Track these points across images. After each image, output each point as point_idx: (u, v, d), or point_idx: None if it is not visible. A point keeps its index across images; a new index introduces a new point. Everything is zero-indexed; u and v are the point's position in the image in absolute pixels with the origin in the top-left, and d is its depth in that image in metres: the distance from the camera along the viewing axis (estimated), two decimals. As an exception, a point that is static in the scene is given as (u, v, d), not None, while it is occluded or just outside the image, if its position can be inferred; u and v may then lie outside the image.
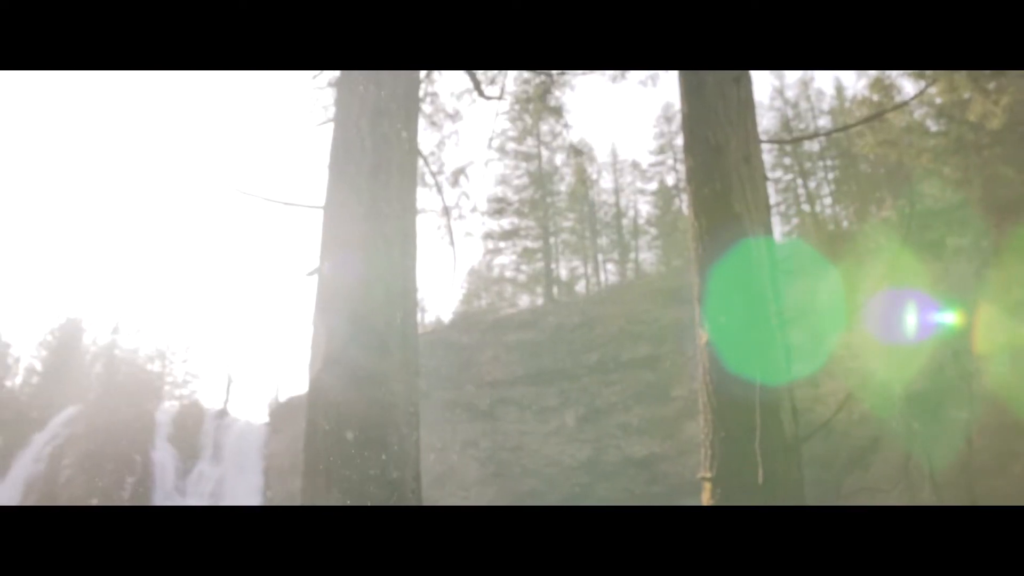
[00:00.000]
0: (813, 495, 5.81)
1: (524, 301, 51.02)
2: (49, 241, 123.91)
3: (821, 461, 25.76)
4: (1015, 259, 26.03)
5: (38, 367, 59.33)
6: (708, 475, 5.64)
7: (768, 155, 43.28)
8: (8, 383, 57.21)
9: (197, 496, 40.59)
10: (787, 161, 46.61)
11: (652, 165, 52.91)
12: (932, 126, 30.25)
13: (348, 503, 4.86)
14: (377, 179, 5.71)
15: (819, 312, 26.48)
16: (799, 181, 46.90)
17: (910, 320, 27.71)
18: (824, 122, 46.80)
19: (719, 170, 6.23)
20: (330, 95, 10.64)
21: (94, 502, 38.25)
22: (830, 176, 46.37)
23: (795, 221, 46.66)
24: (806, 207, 46.35)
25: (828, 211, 46.22)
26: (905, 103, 27.04)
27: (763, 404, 5.42)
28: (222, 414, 47.44)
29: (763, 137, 6.80)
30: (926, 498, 25.76)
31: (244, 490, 40.92)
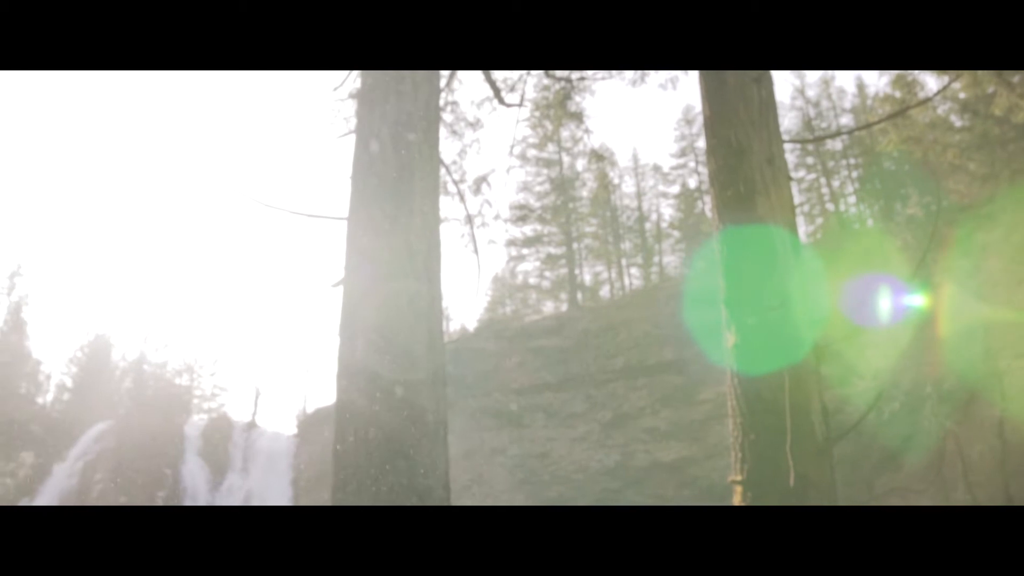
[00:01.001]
0: (844, 496, 5.76)
1: (548, 307, 51.01)
2: (76, 258, 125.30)
3: (852, 462, 25.57)
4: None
5: (68, 383, 59.91)
6: (739, 478, 5.60)
7: (791, 155, 43.03)
8: (40, 400, 57.78)
9: (228, 508, 40.76)
10: (810, 161, 46.34)
11: (674, 168, 52.80)
12: (957, 121, 30.01)
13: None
14: (400, 189, 5.72)
15: (843, 311, 26.25)
16: (822, 180, 46.60)
17: (937, 317, 27.43)
18: (846, 120, 46.51)
19: (742, 172, 6.19)
20: (351, 107, 10.69)
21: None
22: (854, 175, 46.03)
23: (819, 221, 46.36)
24: (830, 206, 46.03)
25: (853, 210, 45.87)
26: (928, 99, 26.83)
27: (793, 406, 5.38)
28: (250, 426, 47.69)
29: (785, 137, 6.76)
30: (960, 498, 25.45)
31: (274, 502, 41.10)
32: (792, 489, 5.20)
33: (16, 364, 57.12)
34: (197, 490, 41.89)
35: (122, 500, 39.50)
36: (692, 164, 51.46)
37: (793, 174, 6.58)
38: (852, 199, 46.29)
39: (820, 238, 43.15)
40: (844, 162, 46.00)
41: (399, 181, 5.75)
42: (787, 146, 6.72)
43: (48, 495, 40.52)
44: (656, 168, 53.45)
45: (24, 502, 40.08)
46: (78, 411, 53.21)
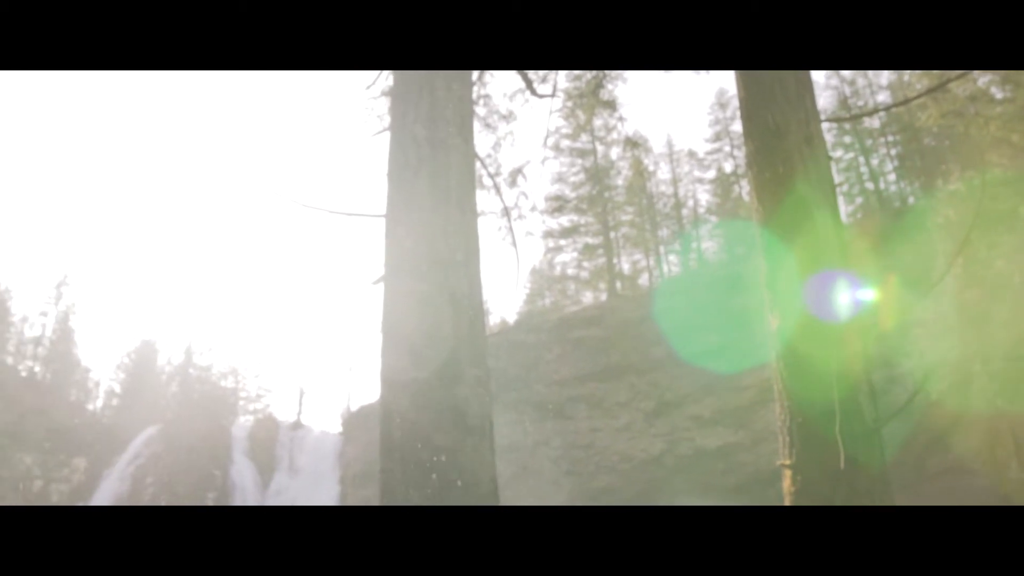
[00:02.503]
0: (895, 478, 5.68)
1: (588, 298, 50.96)
2: (120, 266, 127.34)
3: (902, 443, 25.24)
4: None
5: (117, 389, 60.98)
6: (788, 462, 5.55)
7: (828, 134, 42.28)
8: (90, 406, 58.91)
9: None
10: (847, 140, 45.74)
11: (709, 153, 52.42)
12: (998, 93, 29.45)
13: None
14: (436, 184, 5.72)
15: (890, 291, 25.90)
16: (861, 159, 45.97)
17: (984, 293, 26.97)
18: (883, 97, 45.82)
19: (781, 153, 6.12)
20: (384, 104, 10.72)
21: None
22: (893, 152, 45.36)
23: (859, 200, 45.76)
24: (870, 185, 45.42)
25: (893, 188, 45.24)
26: (968, 71, 26.30)
27: (840, 387, 5.31)
28: (296, 426, 48.24)
29: (821, 116, 6.66)
30: (1014, 476, 25.06)
31: (322, 499, 41.52)
32: (842, 472, 5.15)
33: (66, 372, 58.23)
34: (246, 490, 42.45)
35: (173, 502, 40.15)
36: (727, 148, 51.08)
37: (830, 154, 6.49)
38: (892, 177, 45.66)
39: (861, 217, 42.60)
40: (882, 139, 45.34)
41: (435, 176, 5.76)
42: (824, 126, 6.63)
43: (101, 499, 41.29)
44: (691, 154, 53.13)
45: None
46: (127, 416, 54.18)
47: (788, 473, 5.53)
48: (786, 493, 5.56)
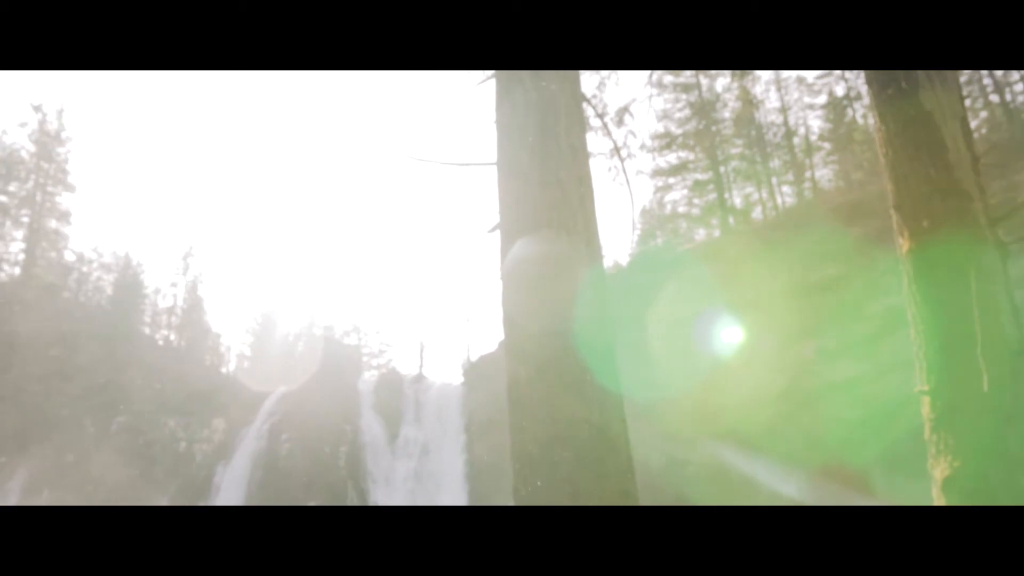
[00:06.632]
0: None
1: (700, 235, 50.09)
2: (242, 233, 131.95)
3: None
4: None
5: (248, 352, 63.47)
6: (925, 388, 5.37)
7: (946, 47, 40.04)
8: (223, 370, 61.58)
9: (407, 458, 42.58)
10: (968, 51, 43.32)
11: (819, 77, 50.38)
12: None
13: (555, 449, 4.93)
14: (545, 127, 5.69)
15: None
16: (983, 71, 43.51)
17: None
18: None
19: (903, 67, 5.83)
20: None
21: (315, 473, 40.96)
22: (1020, 59, 42.71)
23: (983, 115, 43.39)
24: (994, 97, 42.99)
25: (1021, 99, 42.71)
26: None
27: (980, 307, 5.09)
28: (419, 378, 49.36)
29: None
30: None
31: (449, 448, 42.57)
32: (986, 395, 4.96)
33: (198, 339, 60.96)
34: (376, 443, 43.82)
35: (308, 457, 41.86)
36: (838, 71, 49.05)
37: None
38: (1019, 87, 43.10)
39: (986, 132, 40.46)
40: (1008, 47, 42.72)
41: (544, 120, 5.73)
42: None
43: (241, 456, 43.35)
44: (800, 79, 51.18)
45: (221, 465, 43.04)
46: (258, 377, 56.43)
47: (927, 400, 5.36)
48: (925, 420, 5.40)
